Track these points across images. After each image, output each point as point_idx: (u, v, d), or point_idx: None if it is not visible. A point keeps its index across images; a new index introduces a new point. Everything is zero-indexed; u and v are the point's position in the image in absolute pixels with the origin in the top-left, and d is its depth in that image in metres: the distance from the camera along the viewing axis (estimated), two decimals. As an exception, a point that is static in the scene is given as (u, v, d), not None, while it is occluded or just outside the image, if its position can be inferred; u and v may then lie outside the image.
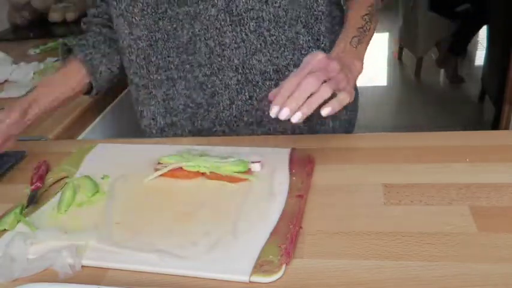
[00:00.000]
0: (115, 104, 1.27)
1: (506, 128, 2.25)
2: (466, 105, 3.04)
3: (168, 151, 0.80)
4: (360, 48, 0.78)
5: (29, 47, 1.64)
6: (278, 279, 0.54)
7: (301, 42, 0.88)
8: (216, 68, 0.87)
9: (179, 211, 0.67)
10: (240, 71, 0.87)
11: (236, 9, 0.82)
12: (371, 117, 2.84)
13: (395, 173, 0.72)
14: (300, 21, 0.86)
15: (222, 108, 0.89)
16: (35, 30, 1.92)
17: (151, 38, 0.87)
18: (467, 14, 3.09)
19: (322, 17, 0.88)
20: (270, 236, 0.59)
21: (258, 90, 0.88)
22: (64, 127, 1.05)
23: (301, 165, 0.75)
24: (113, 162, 0.81)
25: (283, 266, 0.55)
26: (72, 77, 0.92)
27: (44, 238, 0.62)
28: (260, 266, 0.55)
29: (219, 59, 0.86)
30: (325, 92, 0.63)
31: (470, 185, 0.68)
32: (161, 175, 0.74)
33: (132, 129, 1.00)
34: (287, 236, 0.59)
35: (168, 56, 0.88)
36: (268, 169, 0.74)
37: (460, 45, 3.27)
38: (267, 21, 0.84)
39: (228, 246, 0.59)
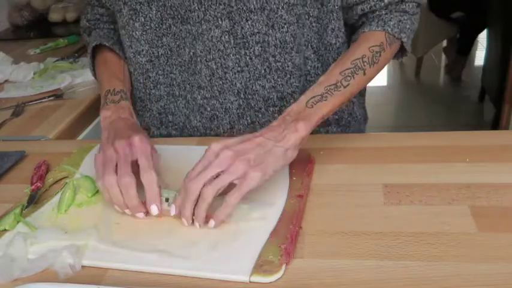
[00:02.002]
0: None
1: (506, 128, 2.25)
2: (466, 105, 3.04)
3: (167, 152, 0.81)
4: (318, 107, 0.69)
5: (29, 47, 1.64)
6: (278, 279, 0.54)
7: (308, 68, 0.84)
8: (216, 91, 0.84)
9: (179, 211, 0.67)
10: (242, 95, 0.83)
11: (241, 32, 0.79)
12: (371, 117, 2.83)
13: (395, 173, 0.72)
14: (311, 46, 0.82)
15: (222, 131, 0.87)
16: (35, 30, 1.92)
17: (152, 53, 0.85)
18: (463, 20, 3.10)
19: (331, 48, 0.84)
20: (270, 236, 0.59)
21: (260, 115, 0.85)
22: (64, 127, 1.04)
23: (301, 165, 0.75)
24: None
25: (283, 266, 0.55)
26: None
27: (44, 238, 0.62)
28: (260, 266, 0.55)
29: (221, 82, 0.83)
30: (208, 195, 0.59)
31: (470, 185, 0.67)
32: None
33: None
34: (287, 236, 0.59)
35: (171, 73, 0.86)
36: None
37: (467, 46, 3.27)
38: (273, 47, 0.80)
39: (228, 246, 0.59)
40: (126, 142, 0.67)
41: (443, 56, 3.63)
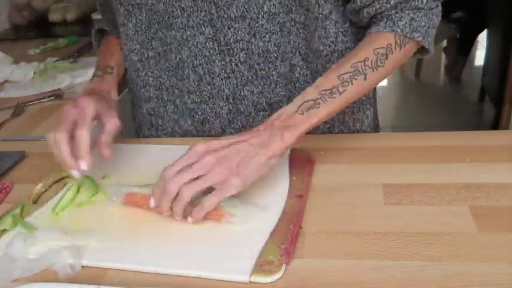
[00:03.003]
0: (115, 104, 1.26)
1: (506, 128, 2.25)
2: (466, 105, 3.05)
3: (166, 152, 0.81)
4: (309, 114, 0.66)
5: (29, 47, 1.65)
6: (278, 279, 0.54)
7: (297, 75, 0.82)
8: (206, 96, 0.83)
9: (179, 211, 0.67)
10: (231, 101, 0.83)
11: (224, 39, 0.78)
12: (371, 117, 2.83)
13: (395, 173, 0.72)
14: (299, 53, 0.80)
15: (214, 134, 0.86)
16: (35, 30, 1.92)
17: (143, 54, 0.86)
18: (464, 20, 3.10)
19: (319, 55, 0.82)
20: (270, 236, 0.59)
21: (251, 120, 0.84)
22: (64, 127, 1.04)
23: (301, 165, 0.75)
24: (113, 162, 0.80)
25: (283, 266, 0.55)
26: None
27: (44, 238, 0.62)
28: (260, 266, 0.55)
29: (209, 88, 0.82)
30: (186, 196, 0.59)
31: (470, 185, 0.67)
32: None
33: (132, 129, 1.00)
34: (287, 236, 0.59)
35: (160, 77, 0.86)
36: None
37: (467, 46, 3.28)
38: (257, 55, 0.79)
39: (228, 246, 0.59)
40: (72, 103, 0.72)
41: (443, 56, 3.63)
